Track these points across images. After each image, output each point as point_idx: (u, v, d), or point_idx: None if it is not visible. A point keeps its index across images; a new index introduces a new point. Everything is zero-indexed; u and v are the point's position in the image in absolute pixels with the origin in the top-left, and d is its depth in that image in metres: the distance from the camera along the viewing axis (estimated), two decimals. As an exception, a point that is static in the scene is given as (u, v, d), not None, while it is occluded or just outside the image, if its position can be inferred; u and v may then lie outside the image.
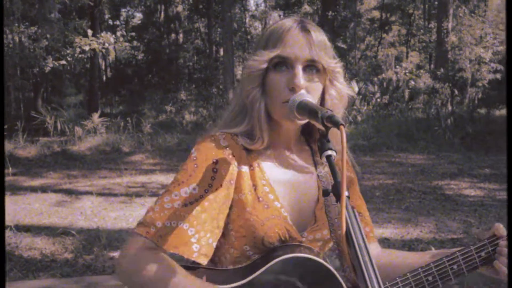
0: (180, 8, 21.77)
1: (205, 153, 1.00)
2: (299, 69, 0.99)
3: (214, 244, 0.99)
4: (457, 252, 1.02)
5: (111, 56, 19.67)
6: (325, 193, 0.78)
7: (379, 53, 26.03)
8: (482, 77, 14.28)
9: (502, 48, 17.74)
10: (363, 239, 0.69)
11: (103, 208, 5.94)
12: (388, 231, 4.75)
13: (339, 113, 1.05)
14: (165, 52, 19.54)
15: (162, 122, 13.09)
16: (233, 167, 1.01)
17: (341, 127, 0.74)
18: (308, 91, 1.00)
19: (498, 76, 15.11)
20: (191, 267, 1.01)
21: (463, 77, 13.96)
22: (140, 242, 0.94)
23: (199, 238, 0.96)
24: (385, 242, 4.39)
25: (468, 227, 5.07)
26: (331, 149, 0.79)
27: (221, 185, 0.99)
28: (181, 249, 0.95)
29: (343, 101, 1.06)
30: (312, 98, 0.97)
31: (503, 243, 1.02)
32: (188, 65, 21.30)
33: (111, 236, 4.71)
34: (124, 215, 5.61)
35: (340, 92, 1.05)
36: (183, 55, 20.44)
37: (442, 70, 12.71)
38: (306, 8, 19.63)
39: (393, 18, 27.30)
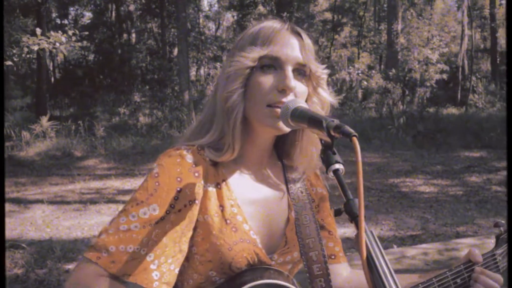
0: (132, 7, 21.21)
1: (168, 170, 0.90)
2: (289, 70, 0.92)
3: (177, 271, 0.90)
4: (433, 279, 0.97)
5: (60, 57, 18.85)
6: (337, 212, 0.71)
7: (332, 54, 26.55)
8: (430, 77, 14.88)
9: (447, 50, 18.60)
10: (385, 261, 0.63)
11: (56, 217, 5.63)
12: (350, 231, 4.80)
13: None
14: (117, 53, 18.97)
15: (115, 125, 12.67)
16: (199, 186, 0.92)
17: (354, 138, 0.67)
18: (296, 95, 0.93)
19: (445, 76, 15.83)
20: None
21: (412, 77, 14.49)
22: (90, 269, 0.84)
23: (159, 264, 0.86)
24: (347, 242, 4.43)
25: (425, 223, 5.22)
26: (338, 162, 0.73)
27: (184, 206, 0.89)
28: (139, 277, 0.85)
29: (325, 109, 1.00)
30: (306, 104, 0.90)
31: (478, 269, 0.99)
32: (141, 66, 20.78)
33: (66, 247, 4.46)
34: (78, 224, 5.34)
35: (323, 99, 0.99)
36: (136, 55, 19.92)
37: (393, 70, 13.11)
38: (261, 9, 19.67)
39: (344, 20, 27.96)
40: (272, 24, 0.97)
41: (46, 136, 10.04)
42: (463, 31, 17.75)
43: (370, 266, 0.63)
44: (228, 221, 0.93)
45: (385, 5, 21.73)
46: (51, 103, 16.73)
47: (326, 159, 0.74)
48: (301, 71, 0.95)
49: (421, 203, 6.16)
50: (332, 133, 0.72)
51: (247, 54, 0.92)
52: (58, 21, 22.22)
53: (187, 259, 0.94)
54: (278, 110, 0.91)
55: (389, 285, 0.60)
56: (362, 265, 0.64)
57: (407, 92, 14.24)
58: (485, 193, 6.55)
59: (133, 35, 21.54)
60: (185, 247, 0.91)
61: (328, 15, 28.18)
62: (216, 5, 28.64)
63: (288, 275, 0.99)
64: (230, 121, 0.92)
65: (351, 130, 0.69)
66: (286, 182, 1.05)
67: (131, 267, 0.84)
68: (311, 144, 1.00)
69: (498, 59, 19.68)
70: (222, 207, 0.94)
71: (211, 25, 30.12)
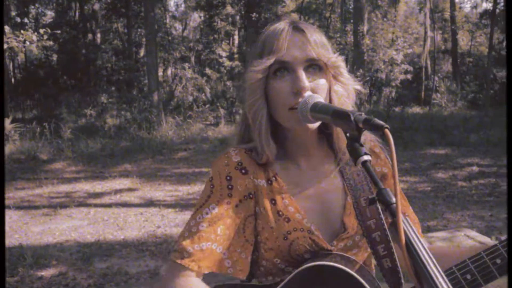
0: (96, 6, 20.71)
1: (218, 171, 1.01)
2: (300, 71, 0.95)
3: (249, 258, 0.99)
4: (480, 254, 0.88)
5: (20, 57, 18.16)
6: (371, 201, 0.72)
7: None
8: (395, 77, 15.29)
9: (411, 51, 19.15)
10: (423, 246, 0.65)
11: (24, 223, 5.44)
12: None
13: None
14: (82, 53, 18.47)
15: (82, 127, 12.35)
16: (249, 181, 1.01)
17: (386, 130, 0.69)
18: (315, 91, 0.95)
19: (409, 76, 16.30)
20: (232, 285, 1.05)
21: (378, 78, 14.85)
22: (176, 270, 0.96)
23: (229, 254, 0.97)
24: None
25: (397, 219, 5.36)
26: (366, 153, 0.74)
27: (240, 201, 0.99)
28: (215, 267, 0.96)
29: (351, 96, 1.02)
30: (322, 99, 0.92)
31: None
32: (106, 66, 20.33)
33: (38, 253, 4.31)
34: (49, 229, 5.18)
35: (347, 87, 1.01)
36: (101, 56, 19.47)
37: (361, 70, 13.39)
38: (229, 9, 19.64)
39: (311, 21, 28.30)
40: (275, 28, 0.99)
41: (9, 139, 9.66)
42: (425, 32, 18.33)
43: (410, 251, 0.64)
44: (280, 213, 1.00)
45: (351, 7, 22.16)
46: (12, 105, 16.11)
47: (354, 151, 0.75)
48: (314, 66, 0.96)
49: (392, 199, 6.30)
50: (362, 126, 0.73)
51: (256, 68, 0.97)
52: (18, 19, 21.42)
53: (257, 248, 1.03)
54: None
55: (430, 269, 0.61)
56: (401, 251, 0.65)
57: (373, 92, 14.57)
58: (452, 188, 6.78)
59: (98, 35, 21.03)
60: (251, 237, 1.00)
61: (295, 16, 28.46)
62: (183, 5, 28.38)
63: (354, 259, 1.00)
64: (256, 129, 1.00)
65: (382, 123, 0.70)
66: (340, 167, 1.07)
67: (207, 262, 0.95)
68: (342, 134, 1.01)
69: (458, 60, 20.42)
70: (274, 200, 1.01)
71: (178, 26, 29.82)
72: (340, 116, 0.79)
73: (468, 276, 0.86)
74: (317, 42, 0.97)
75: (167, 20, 24.29)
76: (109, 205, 6.10)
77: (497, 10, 16.07)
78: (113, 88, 18.01)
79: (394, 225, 0.68)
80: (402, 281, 0.99)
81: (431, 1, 18.64)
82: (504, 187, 6.72)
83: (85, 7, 20.45)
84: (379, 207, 1.01)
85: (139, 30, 20.21)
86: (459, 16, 21.41)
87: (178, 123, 12.74)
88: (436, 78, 17.67)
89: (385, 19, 18.19)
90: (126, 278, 3.84)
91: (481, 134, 10.69)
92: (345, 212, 1.03)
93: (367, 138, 1.08)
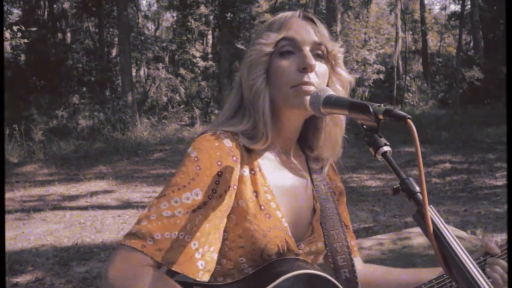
0: (66, 5, 20.22)
1: (208, 153, 0.88)
2: (307, 50, 0.94)
3: (216, 258, 0.87)
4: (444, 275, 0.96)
5: (-13, 57, 17.50)
6: (395, 191, 0.72)
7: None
8: (368, 77, 15.55)
9: (383, 51, 19.52)
10: (450, 233, 0.65)
11: (-4, 228, 5.25)
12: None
13: None
14: (52, 53, 17.99)
15: (54, 129, 12.02)
16: (236, 171, 0.90)
17: (408, 120, 0.69)
18: (318, 75, 0.95)
19: (381, 76, 16.62)
20: (184, 283, 0.87)
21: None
22: (135, 258, 0.79)
23: (203, 253, 0.84)
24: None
25: (376, 216, 5.45)
26: (386, 144, 0.74)
27: (224, 191, 0.87)
28: (185, 266, 0.82)
29: (345, 87, 1.01)
30: (332, 91, 0.91)
31: (491, 260, 1.00)
32: (77, 66, 19.87)
33: (12, 258, 4.17)
34: (23, 234, 5.02)
35: (343, 79, 1.01)
36: (72, 56, 19.02)
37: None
38: (202, 9, 19.52)
39: (284, 22, 28.47)
40: (284, 13, 1.00)
41: (-23, 142, 9.33)
42: (397, 33, 18.71)
43: (438, 239, 0.65)
44: (262, 207, 0.92)
45: (324, 8, 22.39)
46: (-22, 106, 15.53)
47: (374, 142, 0.74)
48: (318, 52, 0.97)
49: (369, 197, 6.42)
50: (382, 118, 0.73)
51: (264, 41, 0.95)
52: (-17, 18, 20.69)
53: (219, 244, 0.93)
54: (303, 87, 0.93)
55: (459, 254, 0.62)
56: (429, 239, 0.65)
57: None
58: (426, 185, 6.93)
59: (68, 34, 20.54)
60: (221, 234, 0.89)
61: (268, 17, 28.54)
62: (155, 5, 28.06)
63: (315, 266, 0.99)
64: (258, 108, 0.93)
65: (404, 113, 0.70)
66: (310, 172, 1.05)
67: (177, 255, 0.81)
68: (336, 129, 1.02)
69: (428, 60, 20.95)
70: (256, 192, 0.92)
71: (150, 25, 29.45)
72: (358, 108, 0.78)
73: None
74: (324, 33, 0.99)
75: (140, 20, 23.96)
76: (85, 208, 5.96)
77: (465, 12, 16.55)
78: (84, 89, 17.61)
79: (420, 214, 0.68)
80: None
81: (402, 3, 19.05)
82: (476, 183, 6.94)
83: (54, 6, 19.94)
84: (341, 220, 1.03)
85: (111, 29, 19.85)
86: (428, 18, 21.97)
87: (153, 123, 12.58)
88: (408, 78, 18.08)
89: (357, 19, 18.47)
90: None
91: (452, 132, 10.98)
92: (315, 216, 1.02)
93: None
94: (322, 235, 1.01)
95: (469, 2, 18.13)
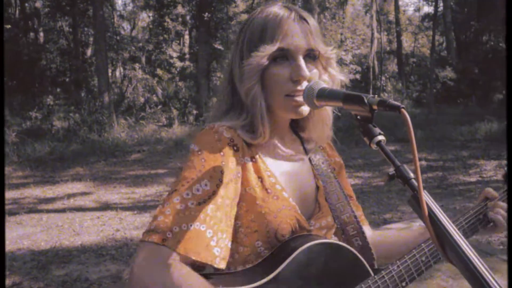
0: (39, 4, 19.77)
1: (210, 146, 0.93)
2: (301, 60, 0.96)
3: (230, 245, 0.91)
4: (460, 218, 1.09)
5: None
6: (391, 178, 0.74)
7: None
8: (345, 77, 15.74)
9: (359, 51, 19.80)
10: (445, 216, 0.68)
11: (-30, 232, 5.10)
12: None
13: None
14: (24, 53, 17.56)
15: (28, 130, 11.73)
16: (238, 160, 0.96)
17: (402, 110, 0.71)
18: (310, 81, 0.96)
19: (358, 76, 16.85)
20: (204, 274, 0.90)
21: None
22: (158, 252, 0.82)
23: (218, 240, 0.88)
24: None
25: (355, 214, 5.53)
26: (380, 133, 0.76)
27: (230, 180, 0.92)
28: (204, 255, 0.85)
29: (336, 86, 1.04)
30: (326, 85, 0.93)
31: (491, 203, 1.11)
32: (51, 67, 19.45)
33: (-13, 263, 4.06)
34: (-2, 237, 4.88)
35: (334, 78, 1.03)
36: (45, 56, 18.60)
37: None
38: (179, 9, 19.39)
39: (261, 22, 28.50)
40: (276, 14, 0.98)
41: None
42: (372, 34, 19.00)
43: (433, 222, 0.67)
44: (269, 191, 0.97)
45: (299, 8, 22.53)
46: None
47: (368, 132, 0.77)
48: (311, 55, 0.98)
49: (348, 195, 6.49)
50: (377, 108, 0.76)
51: (260, 53, 0.95)
52: (-49, 17, 20.02)
53: (234, 235, 0.95)
54: (297, 99, 0.96)
55: (454, 237, 0.64)
56: (424, 222, 0.68)
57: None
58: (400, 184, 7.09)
59: (41, 33, 20.08)
60: (233, 221, 0.93)
61: (245, 17, 28.55)
62: (131, 4, 27.70)
63: (329, 238, 1.04)
64: (256, 112, 0.97)
65: (398, 103, 0.72)
66: (307, 153, 1.10)
67: (195, 245, 0.84)
68: (321, 118, 1.06)
69: (403, 60, 21.35)
70: (260, 178, 0.97)
71: (126, 25, 29.06)
72: (353, 99, 0.80)
73: (423, 258, 0.99)
74: (317, 32, 0.99)
75: (115, 20, 23.63)
76: (62, 210, 5.85)
77: (438, 14, 16.94)
78: (59, 89, 17.25)
79: (415, 199, 0.70)
80: (374, 256, 1.04)
81: (377, 4, 19.36)
82: (450, 180, 7.11)
83: (26, 4, 19.46)
84: (344, 192, 1.07)
85: (85, 29, 19.51)
86: (402, 19, 22.39)
87: (130, 124, 12.43)
88: (383, 78, 18.39)
89: (333, 20, 18.68)
90: (87, 284, 3.70)
91: (427, 131, 11.23)
92: (319, 193, 1.06)
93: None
94: (329, 210, 1.06)
95: (441, 4, 18.57)
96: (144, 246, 0.83)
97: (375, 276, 0.96)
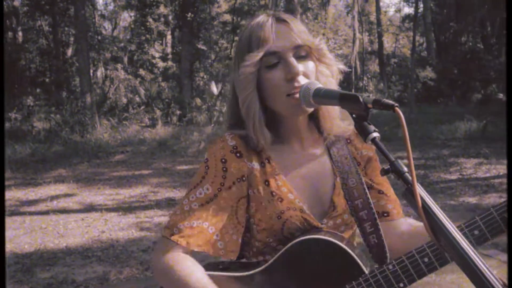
0: (17, 2, 19.40)
1: (214, 154, 1.05)
2: (291, 58, 0.99)
3: (239, 240, 1.03)
4: (476, 217, 0.92)
5: None
6: (385, 172, 0.77)
7: (232, 55, 26.87)
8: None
9: (341, 52, 20.00)
10: (438, 209, 0.71)
11: (-50, 236, 4.99)
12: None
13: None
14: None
15: (7, 131, 11.52)
16: (242, 165, 1.05)
17: (396, 108, 0.75)
18: (306, 75, 1.00)
19: (340, 76, 17.02)
20: (218, 263, 1.08)
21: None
22: (167, 245, 1.00)
23: (222, 235, 1.00)
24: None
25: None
26: (376, 131, 0.80)
27: (233, 183, 1.03)
28: (207, 248, 0.99)
29: (335, 75, 1.06)
30: (321, 84, 0.96)
31: None
32: (30, 67, 19.12)
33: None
34: (-20, 241, 4.79)
35: (331, 67, 1.05)
36: (25, 56, 18.27)
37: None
38: (162, 9, 19.28)
39: (243, 22, 28.48)
40: (258, 23, 1.03)
41: None
42: (354, 34, 19.22)
43: (427, 213, 0.71)
44: (274, 193, 1.04)
45: (283, 9, 22.67)
46: None
47: (363, 129, 0.80)
48: (301, 53, 1.01)
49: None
50: (372, 107, 0.79)
51: (248, 62, 1.00)
52: None
53: (249, 230, 1.08)
54: (297, 96, 0.98)
55: (447, 227, 0.68)
56: (418, 214, 0.72)
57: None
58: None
59: (20, 33, 19.71)
60: (242, 220, 1.04)
61: (227, 17, 28.53)
62: (112, 4, 27.41)
63: (342, 236, 1.05)
64: (250, 123, 1.03)
65: (392, 102, 0.76)
66: (329, 150, 1.11)
67: (197, 240, 0.99)
68: (328, 112, 1.08)
69: (384, 61, 21.65)
70: (267, 182, 1.05)
71: (107, 25, 28.74)
72: (348, 99, 0.84)
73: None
74: (300, 30, 1.02)
75: (96, 19, 23.35)
76: (46, 212, 5.77)
77: (418, 15, 17.23)
78: (38, 90, 16.98)
79: (410, 191, 0.74)
80: (388, 254, 1.06)
81: (359, 5, 19.58)
82: (432, 178, 7.25)
83: (4, 3, 19.08)
84: (366, 188, 1.07)
85: (66, 29, 19.23)
86: (384, 20, 22.70)
87: (113, 125, 12.32)
88: (365, 78, 18.61)
89: (316, 21, 18.81)
90: (74, 286, 3.67)
91: (408, 130, 11.35)
92: (334, 192, 1.08)
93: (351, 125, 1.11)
94: (345, 208, 1.08)
95: (422, 5, 18.89)
96: (160, 240, 1.02)
97: (368, 275, 0.96)
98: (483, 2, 16.28)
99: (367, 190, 1.08)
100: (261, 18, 1.04)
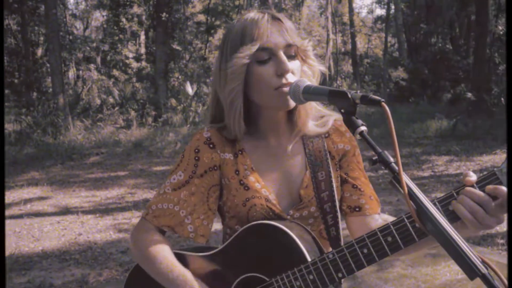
0: (-16, 1, 18.79)
1: (189, 145, 1.15)
2: (282, 55, 1.04)
3: (210, 226, 1.12)
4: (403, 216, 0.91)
5: None
6: (373, 162, 0.82)
7: (208, 55, 26.82)
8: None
9: (315, 52, 20.22)
10: (422, 194, 0.77)
11: None
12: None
13: None
14: (-31, 52, 16.63)
15: (-24, 134, 11.17)
16: (215, 155, 1.13)
17: (383, 103, 0.80)
18: (293, 72, 1.05)
19: (320, 78, 17.22)
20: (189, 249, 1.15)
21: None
22: (142, 224, 1.13)
23: (193, 219, 1.09)
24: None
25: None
26: (363, 124, 0.85)
27: (205, 171, 1.12)
28: (177, 229, 1.09)
29: (316, 76, 1.12)
30: (309, 82, 1.02)
31: (466, 189, 0.85)
32: (-2, 67, 18.54)
33: None
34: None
35: (313, 68, 1.11)
36: (-8, 56, 17.71)
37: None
38: (135, 9, 19.05)
39: (218, 22, 28.42)
40: (253, 18, 1.07)
41: None
42: (328, 35, 19.46)
43: (412, 199, 0.76)
44: (242, 182, 1.11)
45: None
46: None
47: (352, 123, 0.86)
48: (291, 52, 1.06)
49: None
50: (360, 103, 0.85)
51: (241, 54, 1.03)
52: None
53: (223, 217, 1.18)
54: (284, 89, 1.03)
55: (432, 211, 0.73)
56: (405, 199, 0.77)
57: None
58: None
59: (-13, 32, 19.10)
60: (214, 207, 1.13)
61: (202, 17, 28.40)
62: (84, 3, 26.90)
63: (305, 227, 1.10)
64: (231, 114, 1.08)
65: (379, 98, 0.82)
66: (304, 144, 1.16)
67: (168, 221, 1.10)
68: (306, 110, 1.12)
69: (357, 61, 22.02)
70: (237, 171, 1.12)
71: (79, 25, 28.18)
72: (337, 95, 0.89)
73: (389, 238, 0.92)
74: (292, 29, 1.08)
75: (67, 19, 22.87)
76: (19, 216, 5.64)
77: (390, 16, 17.59)
78: (7, 91, 16.49)
79: (396, 179, 0.80)
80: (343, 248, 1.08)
81: (332, 6, 19.84)
82: (406, 175, 7.44)
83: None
84: (332, 181, 1.11)
85: (36, 28, 18.77)
86: (356, 21, 23.07)
87: (87, 126, 12.10)
88: (339, 78, 18.87)
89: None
90: (52, 290, 3.62)
91: (382, 128, 11.66)
92: (302, 185, 1.12)
93: (335, 116, 1.18)
94: (313, 200, 1.12)
95: (393, 7, 19.30)
96: (140, 219, 1.15)
97: (309, 262, 0.97)
98: (451, 4, 16.78)
99: (333, 184, 1.11)
100: (255, 13, 1.08)
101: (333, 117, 1.17)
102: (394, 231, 0.92)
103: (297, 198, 1.12)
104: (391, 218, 0.98)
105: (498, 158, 7.80)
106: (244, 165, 1.12)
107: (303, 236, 1.05)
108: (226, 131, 1.13)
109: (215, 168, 1.12)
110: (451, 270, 3.38)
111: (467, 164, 7.65)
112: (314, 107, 1.15)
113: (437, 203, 0.88)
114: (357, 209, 1.15)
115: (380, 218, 1.16)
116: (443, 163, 7.99)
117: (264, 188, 1.10)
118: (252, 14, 1.08)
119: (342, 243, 1.11)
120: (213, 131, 1.15)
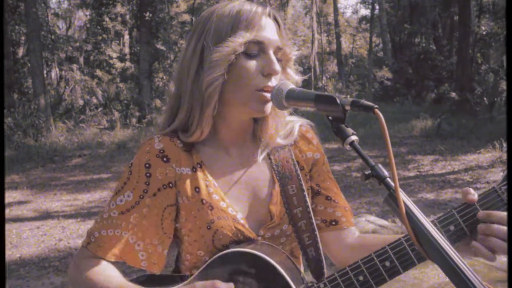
0: (-38, 0, 18.38)
1: (138, 159, 0.97)
2: (272, 54, 0.94)
3: (165, 252, 0.96)
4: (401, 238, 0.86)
5: None
6: (367, 177, 0.73)
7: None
8: (299, 77, 16.09)
9: (300, 52, 20.24)
10: (421, 214, 0.68)
11: None
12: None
13: None
14: None
15: (-47, 136, 10.88)
16: (170, 170, 0.96)
17: (376, 110, 0.72)
18: (276, 78, 0.96)
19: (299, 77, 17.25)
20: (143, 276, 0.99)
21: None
22: (83, 253, 0.96)
23: (145, 246, 0.94)
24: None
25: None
26: (354, 134, 0.76)
27: (158, 190, 0.95)
28: (126, 257, 0.94)
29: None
30: (294, 85, 0.92)
31: (481, 213, 0.84)
32: (-23, 68, 18.15)
33: None
34: None
35: (291, 78, 1.00)
36: (-29, 56, 17.33)
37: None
38: (118, 8, 18.81)
39: (203, 22, 28.30)
40: (251, 7, 0.96)
41: None
42: (313, 35, 19.49)
43: (410, 218, 0.67)
44: (204, 201, 0.95)
45: (242, 9, 22.69)
46: None
47: (341, 132, 0.76)
48: (277, 54, 0.96)
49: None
50: (350, 109, 0.75)
51: (234, 39, 0.90)
52: None
53: (181, 241, 1.01)
54: (266, 94, 0.92)
55: (432, 233, 0.65)
56: (401, 220, 0.68)
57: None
58: (348, 179, 7.31)
59: (-34, 32, 18.68)
60: (169, 230, 0.97)
61: (186, 17, 28.23)
62: (66, 2, 26.48)
63: (279, 249, 0.98)
64: (206, 105, 0.92)
65: (371, 104, 0.72)
66: (270, 156, 1.03)
67: (114, 249, 0.93)
68: (276, 119, 1.01)
69: (342, 61, 22.10)
70: (198, 188, 0.96)
71: (61, 24, 27.75)
72: (324, 100, 0.80)
73: (387, 263, 0.86)
74: (287, 34, 0.99)
75: (49, 18, 22.49)
76: (-3, 222, 5.47)
77: (374, 16, 17.68)
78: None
79: (392, 197, 0.71)
80: (325, 270, 1.00)
81: (317, 6, 19.88)
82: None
83: None
84: (306, 196, 1.00)
85: (16, 27, 18.40)
86: (341, 21, 23.15)
87: (69, 128, 11.88)
88: (324, 78, 18.91)
89: (275, 21, 18.89)
90: (30, 299, 3.49)
91: (367, 128, 11.68)
92: (271, 201, 1.00)
93: (300, 122, 1.07)
94: (285, 217, 0.99)
95: (378, 7, 19.41)
96: (79, 249, 0.98)
97: None
98: (435, 5, 16.94)
99: (307, 198, 1.00)
100: (253, 5, 0.96)
101: (298, 123, 1.06)
102: (392, 255, 0.85)
103: (267, 216, 0.99)
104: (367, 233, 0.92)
105: (483, 157, 7.85)
106: (205, 181, 0.96)
107: (284, 262, 0.93)
108: (181, 134, 0.96)
109: (170, 185, 0.96)
110: (439, 273, 3.35)
111: (452, 164, 7.69)
112: (283, 115, 1.01)
113: (437, 223, 0.83)
114: (333, 223, 1.05)
115: (356, 231, 1.08)
116: (428, 162, 8.01)
117: (230, 207, 0.96)
118: (250, 5, 0.96)
119: (324, 265, 1.00)
120: (165, 140, 0.97)
